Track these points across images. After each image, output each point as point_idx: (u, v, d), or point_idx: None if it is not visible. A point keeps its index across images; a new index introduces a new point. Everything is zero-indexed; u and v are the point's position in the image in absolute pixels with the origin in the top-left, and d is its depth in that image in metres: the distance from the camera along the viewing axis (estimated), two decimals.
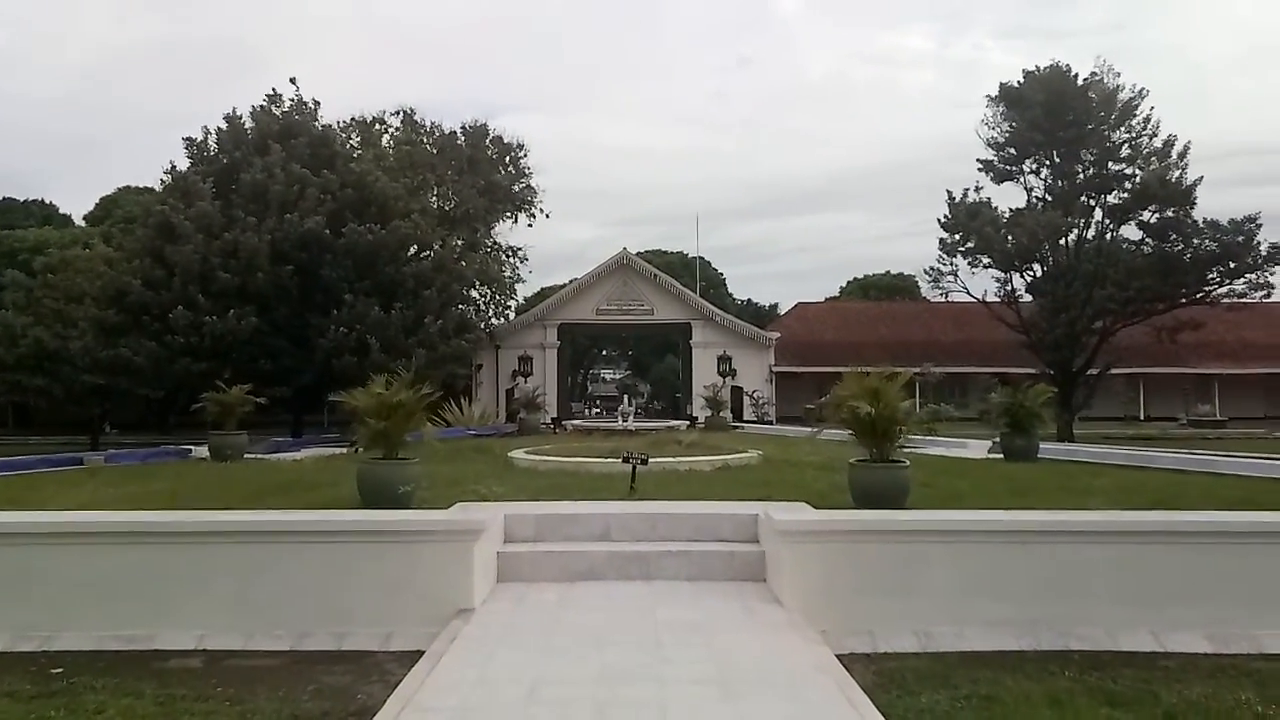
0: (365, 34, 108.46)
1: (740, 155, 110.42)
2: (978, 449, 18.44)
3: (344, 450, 17.57)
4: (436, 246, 22.72)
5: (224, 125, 24.93)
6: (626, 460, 10.04)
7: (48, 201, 55.44)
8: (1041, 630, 6.76)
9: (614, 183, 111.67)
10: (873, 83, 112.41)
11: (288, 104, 25.28)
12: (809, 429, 34.78)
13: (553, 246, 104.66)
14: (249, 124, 24.99)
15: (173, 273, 22.15)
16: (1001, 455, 15.19)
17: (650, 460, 10.20)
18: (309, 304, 22.09)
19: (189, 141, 25.87)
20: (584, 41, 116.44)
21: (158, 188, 25.39)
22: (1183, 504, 9.24)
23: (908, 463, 9.04)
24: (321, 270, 21.28)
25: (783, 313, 61.66)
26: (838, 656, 5.86)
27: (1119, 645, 6.60)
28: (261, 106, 25.50)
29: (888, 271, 77.06)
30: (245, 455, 15.57)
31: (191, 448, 16.71)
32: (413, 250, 24.54)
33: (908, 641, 6.70)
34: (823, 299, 65.87)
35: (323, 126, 25.14)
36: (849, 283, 76.81)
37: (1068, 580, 6.90)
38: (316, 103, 26.47)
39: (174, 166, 25.14)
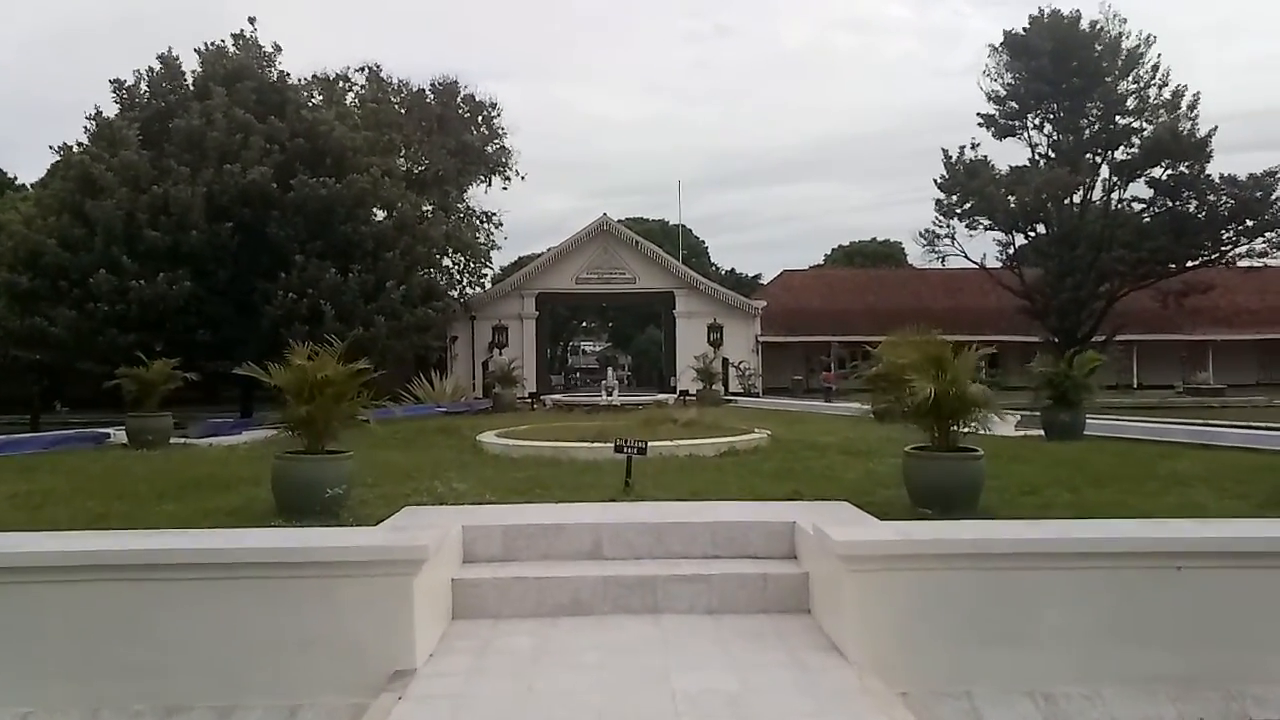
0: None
1: (720, 125, 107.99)
2: (1003, 425, 16.59)
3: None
4: (400, 206, 20.39)
5: (158, 66, 22.16)
6: (620, 449, 8.07)
7: None
8: (1203, 690, 4.88)
9: (591, 153, 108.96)
10: (853, 51, 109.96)
11: (237, 50, 22.55)
12: (800, 401, 33.08)
13: (530, 217, 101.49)
14: (197, 69, 22.22)
15: (94, 231, 19.65)
16: (1042, 433, 13.32)
17: (648, 446, 8.22)
18: (254, 266, 19.79)
19: (116, 85, 22.91)
20: (561, 7, 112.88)
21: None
22: None
23: (980, 452, 7.10)
24: (268, 228, 18.84)
25: (766, 282, 59.71)
26: None
27: None
28: (209, 47, 22.64)
29: (874, 239, 75.28)
30: (171, 440, 13.41)
31: (111, 432, 14.50)
32: (378, 212, 22.13)
33: (1023, 709, 4.79)
34: (807, 268, 63.99)
35: (278, 73, 22.39)
36: (834, 250, 74.93)
37: (1240, 619, 5.01)
38: (277, 47, 23.73)
39: (99, 112, 22.47)
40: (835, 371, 39.86)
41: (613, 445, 8.42)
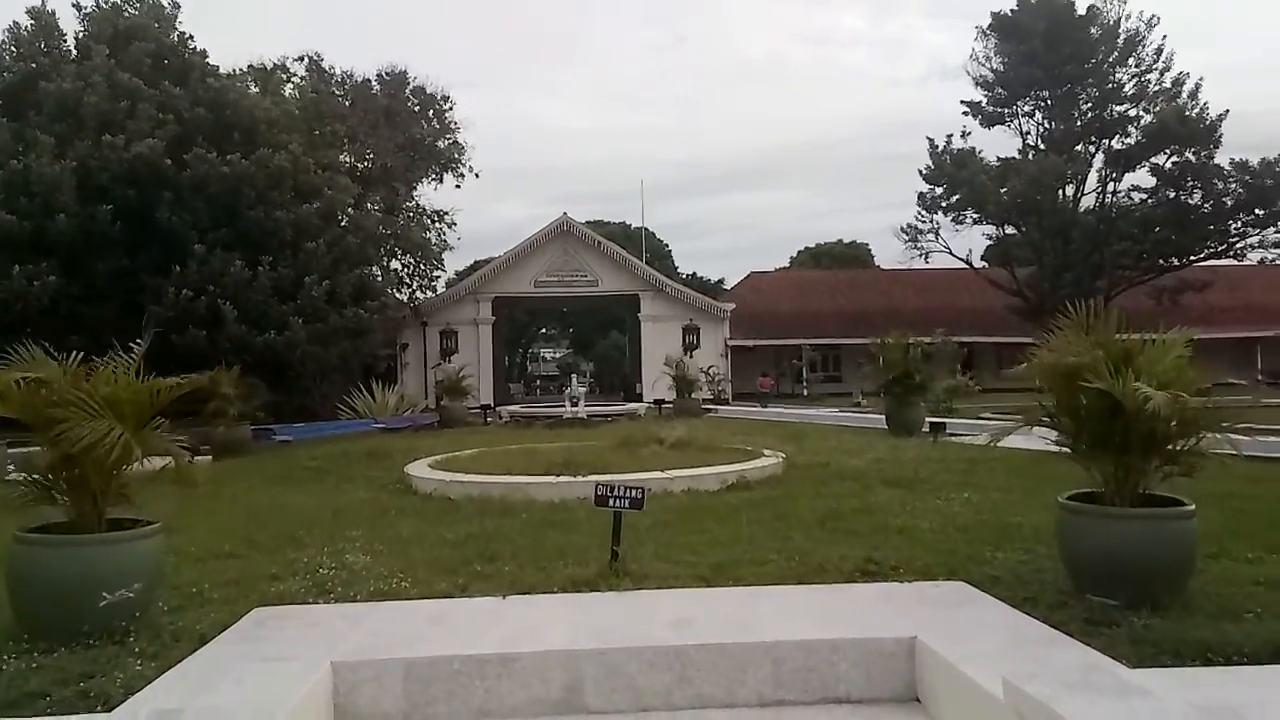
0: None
1: (679, 133, 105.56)
2: (1038, 435, 14.09)
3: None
4: (327, 192, 17.20)
5: (27, 22, 18.48)
6: (604, 501, 5.25)
7: None
8: None
9: (549, 160, 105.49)
10: (809, 61, 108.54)
11: (133, 9, 18.96)
12: (780, 408, 30.49)
13: (487, 225, 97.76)
14: (80, 29, 18.59)
15: None
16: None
17: (644, 495, 5.37)
18: (142, 258, 16.42)
19: None
20: (517, 16, 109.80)
21: None
22: None
23: (1191, 505, 4.40)
24: (158, 212, 15.75)
25: (730, 287, 57.28)
26: None
27: None
28: (97, 4, 18.86)
29: (839, 240, 73.42)
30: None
31: None
32: (308, 203, 18.86)
33: None
34: (774, 269, 61.72)
35: (179, 35, 18.70)
36: (800, 252, 72.81)
37: None
38: (176, 5, 20.20)
39: None
40: (775, 374, 37.68)
41: (593, 491, 5.59)
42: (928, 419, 14.95)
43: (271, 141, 16.83)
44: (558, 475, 8.50)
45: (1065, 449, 4.82)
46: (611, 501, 5.33)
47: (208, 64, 17.99)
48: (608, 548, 5.32)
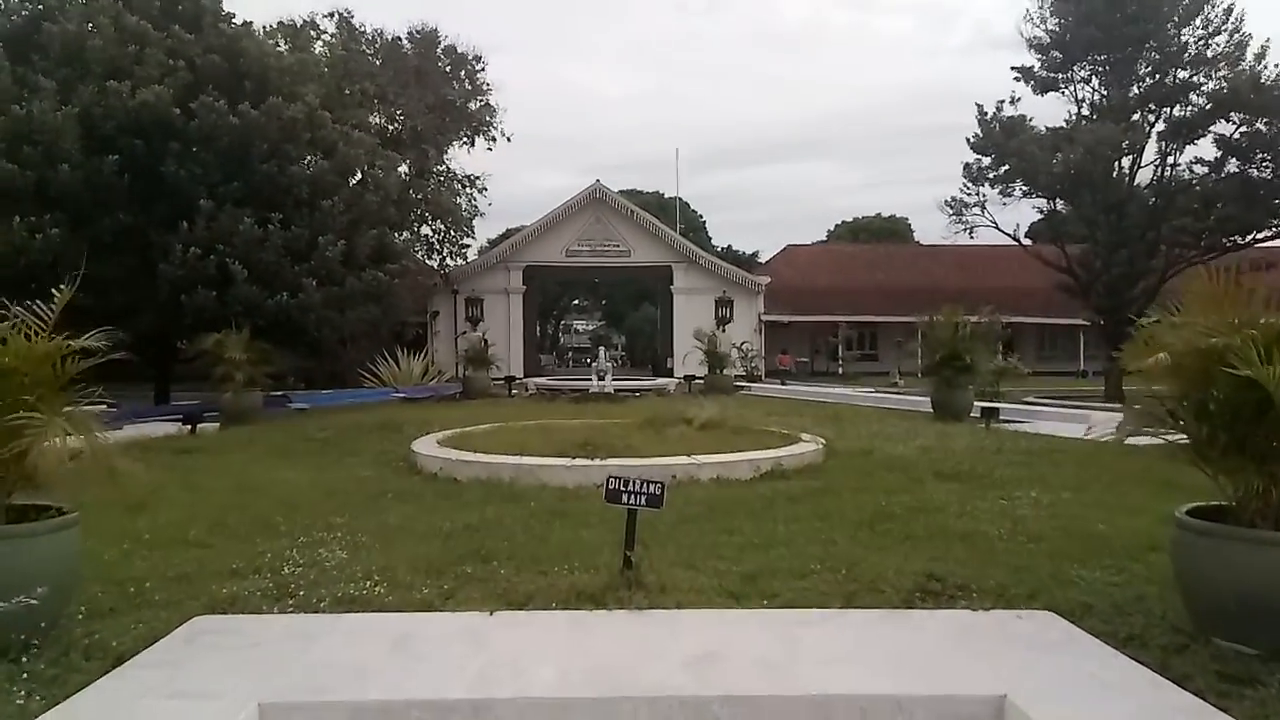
0: None
1: (713, 102, 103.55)
2: (1098, 423, 12.98)
3: (184, 429, 11.77)
4: (341, 146, 16.21)
5: None
6: (616, 497, 4.41)
7: None
8: None
9: (582, 128, 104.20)
10: (850, 27, 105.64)
11: None
12: (815, 386, 29.50)
13: (519, 193, 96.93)
14: None
15: None
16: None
17: (664, 492, 4.54)
18: (149, 214, 15.68)
19: None
20: None
21: None
22: None
23: None
24: (164, 165, 15.23)
25: (765, 260, 55.98)
26: None
27: None
28: None
29: (879, 214, 71.59)
30: None
31: None
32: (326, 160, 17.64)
33: None
34: (811, 243, 60.25)
35: None
36: (837, 225, 71.12)
37: None
38: None
39: None
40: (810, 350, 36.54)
41: (605, 489, 4.77)
42: (976, 403, 13.94)
43: (285, 91, 16.00)
44: (573, 458, 7.70)
45: (1161, 445, 3.88)
46: (625, 498, 4.49)
47: (222, 9, 17.12)
48: (621, 548, 4.52)
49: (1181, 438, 3.80)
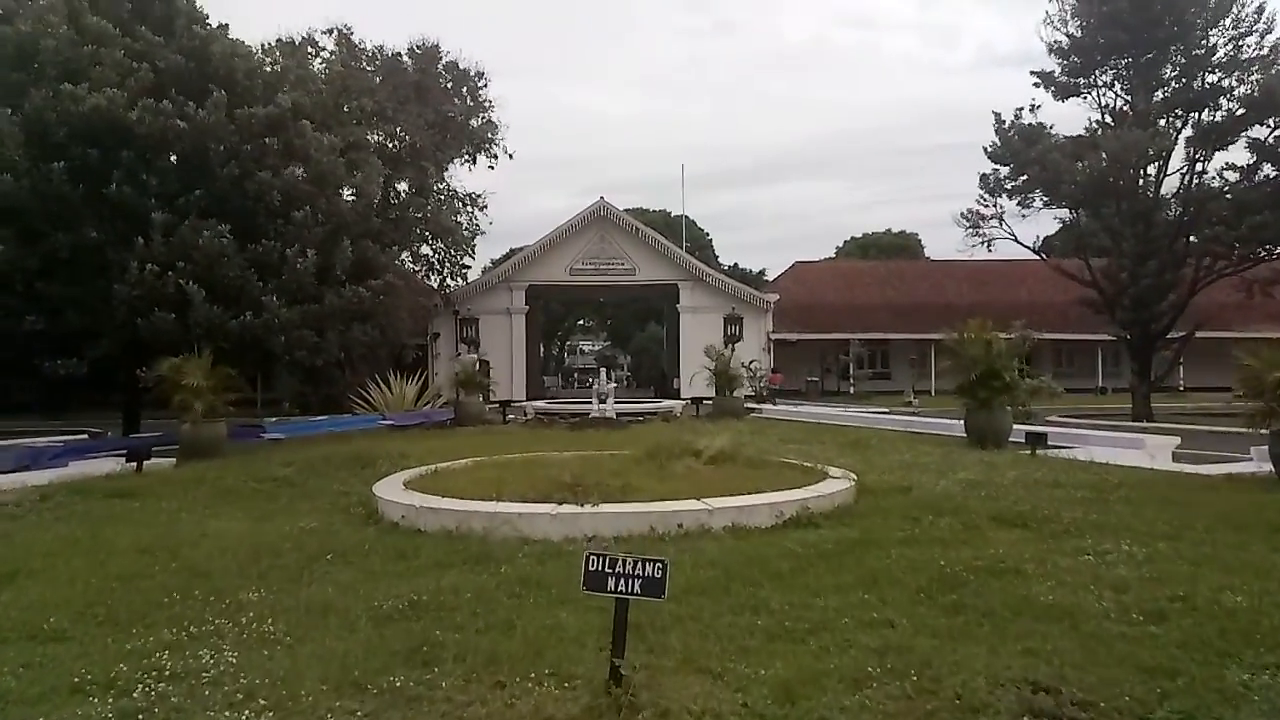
0: None
1: (717, 121, 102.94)
2: (1155, 448, 11.68)
3: (121, 466, 10.52)
4: (315, 153, 14.77)
5: None
6: (599, 581, 3.14)
7: None
8: None
9: (586, 149, 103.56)
10: (854, 47, 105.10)
11: None
12: (826, 407, 28.19)
13: (521, 214, 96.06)
14: None
15: None
16: (1272, 468, 8.42)
17: (666, 572, 3.31)
18: (105, 228, 14.42)
19: None
20: (557, 4, 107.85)
21: None
22: None
23: None
24: (115, 174, 13.97)
25: (772, 278, 54.84)
26: None
27: None
28: None
29: (888, 230, 70.49)
30: None
31: None
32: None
33: None
34: (820, 259, 59.07)
35: None
36: (846, 242, 70.03)
37: None
38: None
39: None
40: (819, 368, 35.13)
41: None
42: (1017, 426, 12.58)
43: (256, 95, 14.76)
44: (559, 504, 6.42)
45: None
46: (613, 583, 3.22)
47: (196, 11, 15.90)
48: (608, 640, 3.25)
49: None
